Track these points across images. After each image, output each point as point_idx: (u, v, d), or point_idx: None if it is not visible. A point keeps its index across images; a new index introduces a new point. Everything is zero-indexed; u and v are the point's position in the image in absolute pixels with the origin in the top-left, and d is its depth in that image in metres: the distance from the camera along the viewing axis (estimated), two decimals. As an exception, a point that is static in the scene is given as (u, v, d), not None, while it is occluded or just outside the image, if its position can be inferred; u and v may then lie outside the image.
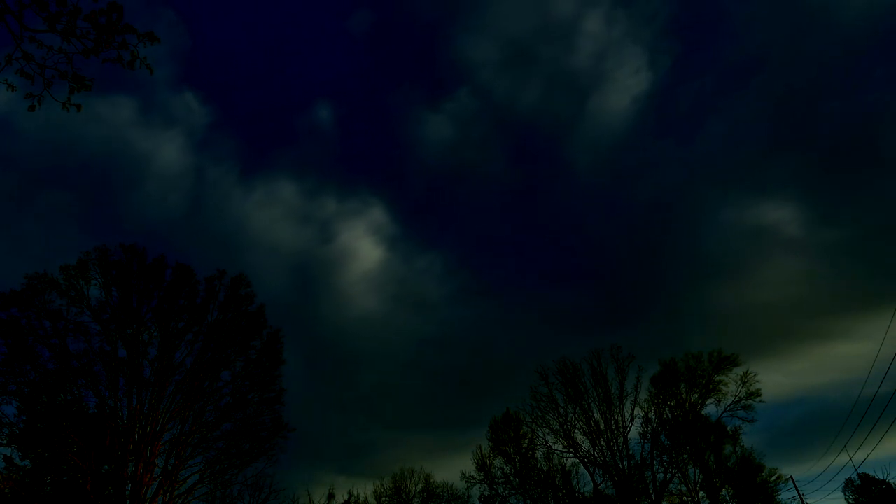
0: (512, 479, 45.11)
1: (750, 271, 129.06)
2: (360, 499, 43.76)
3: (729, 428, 48.30)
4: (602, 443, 41.80)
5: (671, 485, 44.11)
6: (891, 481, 57.29)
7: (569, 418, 43.14)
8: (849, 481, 63.60)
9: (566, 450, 43.17)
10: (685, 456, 45.20)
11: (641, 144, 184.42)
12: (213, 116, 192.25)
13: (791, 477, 52.28)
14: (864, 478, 61.31)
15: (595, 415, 42.55)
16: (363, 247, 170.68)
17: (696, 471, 46.46)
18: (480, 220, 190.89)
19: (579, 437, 42.70)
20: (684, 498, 45.29)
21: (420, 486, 45.53)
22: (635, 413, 42.76)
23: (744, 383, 47.28)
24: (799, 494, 50.13)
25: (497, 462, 46.33)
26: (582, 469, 43.47)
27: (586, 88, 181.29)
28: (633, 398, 42.71)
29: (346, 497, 43.19)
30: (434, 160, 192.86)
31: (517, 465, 45.35)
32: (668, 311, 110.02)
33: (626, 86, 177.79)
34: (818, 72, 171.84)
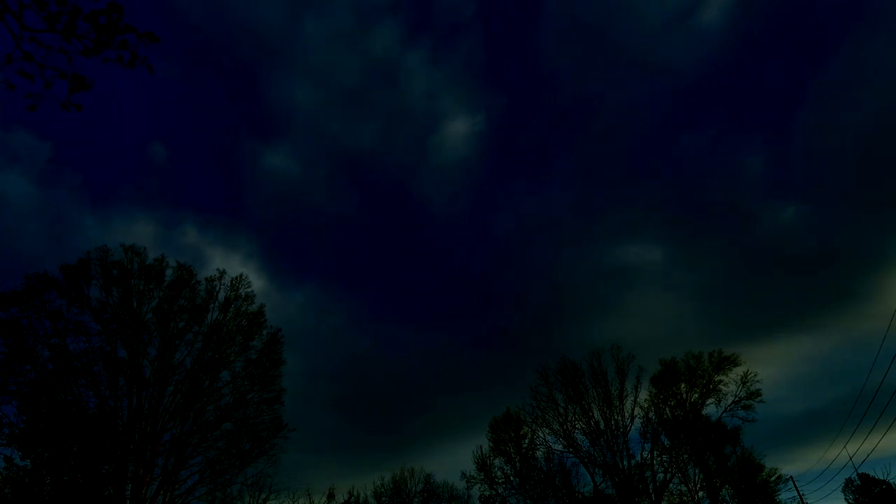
0: (512, 479, 45.11)
1: (627, 306, 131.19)
2: (361, 499, 43.76)
3: (729, 428, 48.31)
4: (602, 443, 41.80)
5: (671, 485, 44.15)
6: (891, 481, 57.34)
7: (569, 418, 43.17)
8: (849, 481, 63.69)
9: (566, 450, 43.20)
10: (685, 456, 45.19)
11: (490, 183, 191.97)
12: (53, 152, 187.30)
13: (791, 477, 52.38)
14: (864, 478, 61.33)
15: (595, 415, 42.58)
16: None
17: (696, 471, 46.46)
18: (342, 255, 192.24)
19: (579, 437, 42.76)
20: (684, 498, 45.28)
21: (420, 485, 45.54)
22: (635, 413, 42.81)
23: (744, 383, 47.26)
24: (799, 494, 50.15)
25: (497, 462, 46.36)
26: (582, 469, 43.51)
27: (426, 128, 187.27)
28: (633, 398, 42.77)
29: (346, 497, 43.19)
30: (285, 197, 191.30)
31: (517, 465, 45.35)
32: (552, 343, 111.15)
33: (464, 125, 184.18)
34: (647, 118, 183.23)
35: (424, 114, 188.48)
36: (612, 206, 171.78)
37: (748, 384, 47.21)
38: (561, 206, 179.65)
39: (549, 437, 44.06)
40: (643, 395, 44.07)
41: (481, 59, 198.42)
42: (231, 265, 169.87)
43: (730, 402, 47.49)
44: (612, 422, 42.01)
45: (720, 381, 47.62)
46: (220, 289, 29.42)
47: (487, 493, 45.26)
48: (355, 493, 43.81)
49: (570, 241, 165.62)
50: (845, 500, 64.28)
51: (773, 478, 51.79)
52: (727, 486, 48.81)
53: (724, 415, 47.76)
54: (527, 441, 45.94)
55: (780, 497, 51.92)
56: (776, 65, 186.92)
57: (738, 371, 47.54)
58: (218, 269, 29.65)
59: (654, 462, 42.68)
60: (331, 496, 41.52)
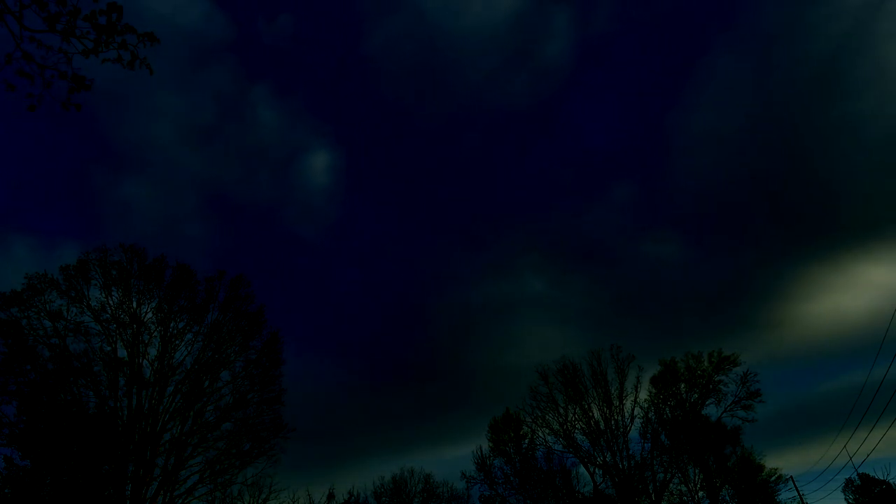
0: (512, 479, 45.12)
1: (513, 336, 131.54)
2: (361, 499, 43.78)
3: (729, 428, 48.31)
4: (602, 443, 41.81)
5: (671, 485, 44.16)
6: (891, 481, 57.34)
7: (569, 418, 43.20)
8: (849, 481, 63.69)
9: (566, 450, 43.21)
10: (685, 456, 45.20)
11: (359, 216, 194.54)
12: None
13: (791, 477, 52.39)
14: (864, 478, 61.33)
15: (595, 415, 42.60)
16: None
17: (696, 471, 46.46)
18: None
19: (579, 437, 42.78)
20: (684, 498, 45.29)
21: (420, 485, 45.54)
22: (635, 413, 42.84)
23: (744, 383, 47.30)
24: (799, 494, 50.15)
25: (497, 462, 46.38)
26: (582, 469, 43.55)
27: (285, 161, 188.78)
28: (633, 398, 42.79)
29: (346, 497, 43.19)
30: (153, 233, 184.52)
31: (517, 465, 45.36)
32: (443, 376, 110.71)
33: (323, 158, 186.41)
34: (508, 154, 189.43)
35: (281, 147, 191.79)
36: (487, 240, 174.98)
37: (748, 384, 47.28)
38: (435, 240, 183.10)
39: (549, 437, 44.13)
40: (643, 395, 44.15)
41: (328, 95, 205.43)
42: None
43: (730, 402, 47.56)
44: (612, 422, 42.04)
45: (720, 381, 47.69)
46: (220, 289, 29.44)
47: (487, 493, 45.30)
48: (355, 492, 43.85)
49: (447, 275, 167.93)
50: (845, 500, 64.32)
51: (773, 478, 51.84)
52: (727, 486, 48.82)
53: (724, 415, 47.82)
54: (527, 441, 45.97)
55: (780, 497, 51.99)
56: (631, 99, 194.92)
57: (738, 371, 47.63)
58: (217, 270, 29.67)
59: (654, 462, 42.70)
60: (331, 496, 41.53)
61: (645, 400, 44.44)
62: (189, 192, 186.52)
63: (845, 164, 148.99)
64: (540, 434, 44.69)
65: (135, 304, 27.30)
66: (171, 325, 27.83)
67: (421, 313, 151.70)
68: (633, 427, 42.47)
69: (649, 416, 43.68)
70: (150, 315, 27.61)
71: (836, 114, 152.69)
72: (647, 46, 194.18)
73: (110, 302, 26.90)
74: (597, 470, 41.95)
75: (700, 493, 46.00)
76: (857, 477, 61.23)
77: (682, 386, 47.77)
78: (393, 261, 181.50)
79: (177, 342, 27.80)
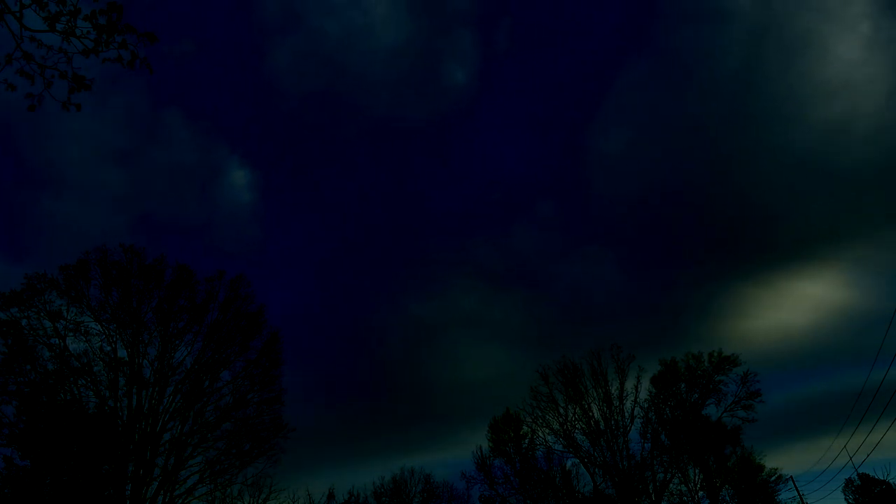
0: (512, 479, 45.12)
1: (462, 355, 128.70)
2: (361, 499, 43.77)
3: (729, 428, 48.30)
4: (602, 443, 41.79)
5: (671, 485, 44.15)
6: (891, 481, 57.33)
7: (569, 418, 43.18)
8: (849, 481, 63.69)
9: (566, 450, 43.19)
10: (685, 456, 45.19)
11: (279, 239, 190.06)
12: None
13: (791, 477, 52.36)
14: (864, 478, 61.33)
15: (595, 415, 42.58)
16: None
17: (696, 471, 46.46)
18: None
19: (579, 437, 42.76)
20: (684, 498, 45.29)
21: (420, 485, 45.53)
22: (635, 413, 42.83)
23: (744, 383, 47.29)
24: (799, 494, 50.15)
25: (497, 462, 46.38)
26: (582, 469, 43.52)
27: (203, 182, 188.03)
28: (633, 398, 42.78)
29: (346, 497, 43.20)
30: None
31: (517, 465, 45.36)
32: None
33: (237, 181, 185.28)
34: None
35: (199, 167, 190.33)
36: (418, 260, 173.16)
37: (748, 384, 47.28)
38: (363, 262, 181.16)
39: (549, 437, 44.12)
40: (643, 395, 44.13)
41: (238, 115, 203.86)
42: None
43: (730, 402, 47.57)
44: (612, 422, 42.02)
45: (720, 382, 47.69)
46: (219, 289, 29.44)
47: (487, 493, 45.30)
48: (355, 492, 43.85)
49: (383, 295, 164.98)
50: (845, 500, 64.34)
51: (773, 478, 51.82)
52: (727, 486, 48.81)
53: (725, 415, 47.81)
54: (527, 441, 45.96)
55: (780, 497, 51.97)
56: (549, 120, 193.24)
57: (739, 371, 47.63)
58: (217, 270, 29.69)
59: (654, 462, 42.69)
60: (331, 496, 41.54)
61: (645, 400, 44.47)
62: (117, 213, 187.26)
63: (768, 184, 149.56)
64: (540, 434, 44.72)
65: (135, 304, 27.30)
66: (171, 324, 27.83)
67: (349, 332, 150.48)
68: (633, 427, 42.50)
69: (649, 415, 43.69)
70: (149, 315, 27.62)
71: (754, 133, 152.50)
72: (561, 65, 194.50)
73: (110, 302, 26.90)
74: (597, 470, 41.95)
75: (700, 493, 46.02)
76: (857, 477, 61.28)
77: (683, 386, 47.80)
78: (323, 278, 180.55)
79: (177, 342, 27.81)
